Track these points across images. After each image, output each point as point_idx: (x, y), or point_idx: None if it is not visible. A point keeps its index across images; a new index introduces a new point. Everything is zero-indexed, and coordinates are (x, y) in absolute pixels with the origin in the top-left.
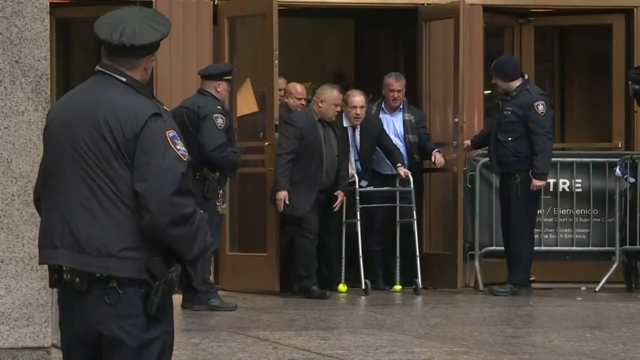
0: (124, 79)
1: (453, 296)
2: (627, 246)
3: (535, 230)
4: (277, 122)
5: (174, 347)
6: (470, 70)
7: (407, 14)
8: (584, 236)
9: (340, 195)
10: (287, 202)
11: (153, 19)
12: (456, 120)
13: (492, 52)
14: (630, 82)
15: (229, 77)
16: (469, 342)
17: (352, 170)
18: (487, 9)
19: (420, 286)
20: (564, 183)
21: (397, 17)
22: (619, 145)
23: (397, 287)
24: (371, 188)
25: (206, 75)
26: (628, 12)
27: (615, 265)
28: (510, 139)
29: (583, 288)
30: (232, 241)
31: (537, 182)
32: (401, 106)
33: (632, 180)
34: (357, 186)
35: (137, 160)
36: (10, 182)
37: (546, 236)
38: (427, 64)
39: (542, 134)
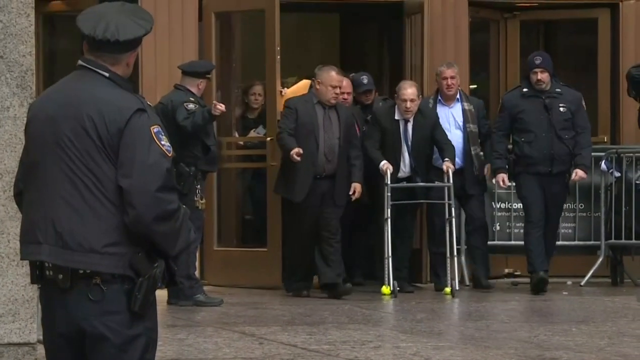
0: (106, 74)
1: (439, 291)
2: (613, 240)
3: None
4: (279, 118)
5: (159, 343)
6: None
7: (392, 8)
8: (569, 230)
9: (357, 187)
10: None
11: (136, 14)
12: None
13: (478, 46)
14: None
15: (210, 75)
16: (455, 337)
17: (385, 164)
18: (472, 3)
19: (457, 288)
20: None
21: (382, 11)
22: (605, 140)
23: (447, 289)
24: (404, 184)
25: (192, 73)
26: (613, 6)
27: (600, 260)
28: (567, 136)
29: (569, 282)
30: (229, 236)
31: (583, 175)
32: (458, 96)
33: (617, 174)
34: (388, 181)
35: (122, 156)
36: None
37: None
38: (412, 58)
39: (589, 128)
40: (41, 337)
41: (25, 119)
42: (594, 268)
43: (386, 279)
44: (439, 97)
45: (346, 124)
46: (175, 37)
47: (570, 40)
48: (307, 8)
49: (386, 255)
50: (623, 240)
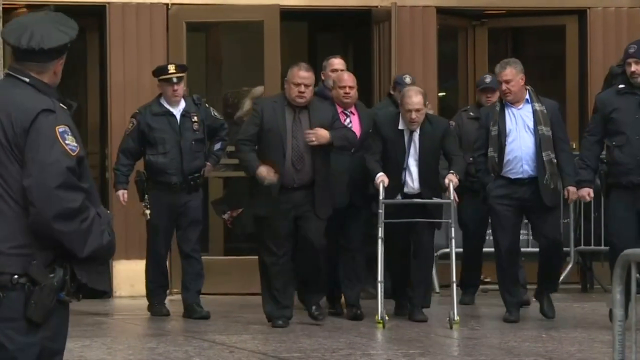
0: (27, 79)
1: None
2: (582, 246)
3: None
4: None
5: (128, 352)
6: (424, 73)
7: (360, 16)
8: None
9: (321, 130)
10: (275, 173)
11: (61, 23)
12: None
13: (446, 54)
14: None
15: (165, 77)
16: (426, 344)
17: (380, 177)
18: (440, 10)
19: (456, 318)
20: None
21: (350, 19)
22: (573, 146)
23: (457, 318)
24: (398, 199)
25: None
26: (581, 14)
27: (570, 266)
28: None
29: None
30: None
31: None
32: (527, 96)
33: None
34: (380, 198)
35: (26, 156)
36: None
37: None
38: (380, 66)
39: None
40: None
41: None
42: (563, 274)
43: (380, 309)
44: (504, 100)
45: (320, 126)
46: (143, 44)
47: (538, 48)
48: None
49: (379, 279)
50: (592, 247)
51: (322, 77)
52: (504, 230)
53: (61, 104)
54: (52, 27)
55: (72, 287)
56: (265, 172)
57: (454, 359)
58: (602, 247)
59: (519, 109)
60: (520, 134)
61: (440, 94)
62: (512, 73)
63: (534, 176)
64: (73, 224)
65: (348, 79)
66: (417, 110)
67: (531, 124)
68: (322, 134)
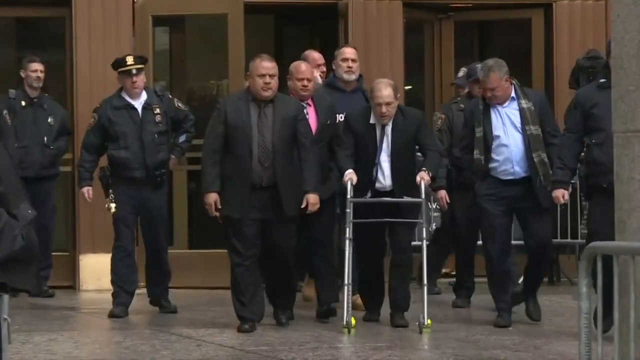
0: None
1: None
2: None
3: None
4: None
5: (95, 346)
6: (391, 66)
7: (327, 9)
8: None
9: (309, 198)
10: (220, 206)
11: None
12: None
13: (413, 47)
14: None
15: (124, 69)
16: (393, 337)
17: (349, 175)
18: (407, 4)
19: (425, 322)
20: None
21: (317, 13)
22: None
23: (429, 321)
24: (367, 198)
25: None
26: (547, 7)
27: None
28: None
29: None
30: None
31: None
32: (513, 94)
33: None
34: (348, 196)
35: None
36: None
37: None
38: None
39: None
40: None
41: None
42: None
43: (346, 311)
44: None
45: (283, 121)
46: (109, 37)
47: (504, 41)
48: None
49: (346, 282)
50: (559, 239)
51: (333, 67)
52: (494, 230)
53: None
54: None
55: None
56: (211, 202)
57: (422, 352)
58: (569, 240)
59: (504, 107)
60: (509, 133)
61: (407, 87)
62: (496, 80)
63: (526, 176)
64: None
65: (306, 70)
66: (388, 104)
67: (518, 123)
68: (314, 202)
